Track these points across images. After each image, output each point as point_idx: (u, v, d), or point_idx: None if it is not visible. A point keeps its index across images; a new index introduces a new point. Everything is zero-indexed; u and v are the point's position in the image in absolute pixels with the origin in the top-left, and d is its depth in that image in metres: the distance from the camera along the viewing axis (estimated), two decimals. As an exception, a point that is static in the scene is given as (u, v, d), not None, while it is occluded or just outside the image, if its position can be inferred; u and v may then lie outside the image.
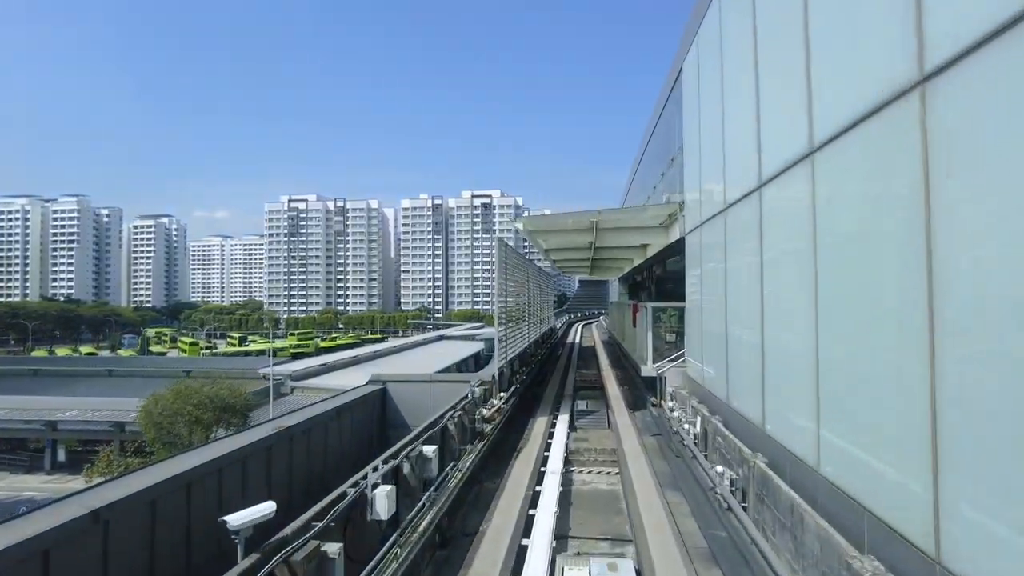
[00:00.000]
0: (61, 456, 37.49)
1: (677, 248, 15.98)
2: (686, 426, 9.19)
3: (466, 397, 10.42)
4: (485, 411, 10.51)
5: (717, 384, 9.32)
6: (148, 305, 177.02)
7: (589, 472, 10.30)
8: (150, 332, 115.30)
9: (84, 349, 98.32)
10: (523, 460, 10.04)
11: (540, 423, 12.87)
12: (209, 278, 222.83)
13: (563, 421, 13.29)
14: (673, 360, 13.52)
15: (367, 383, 13.26)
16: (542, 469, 9.55)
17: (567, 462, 10.53)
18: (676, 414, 10.06)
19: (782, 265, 6.56)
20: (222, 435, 22.70)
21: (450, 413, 9.15)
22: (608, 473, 10.19)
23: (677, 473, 9.44)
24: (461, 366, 42.64)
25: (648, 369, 13.79)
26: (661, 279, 25.76)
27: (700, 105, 10.85)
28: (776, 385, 6.71)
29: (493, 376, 12.71)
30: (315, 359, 53.21)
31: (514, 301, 16.78)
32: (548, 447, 11.03)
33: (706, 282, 10.25)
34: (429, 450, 7.26)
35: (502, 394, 12.53)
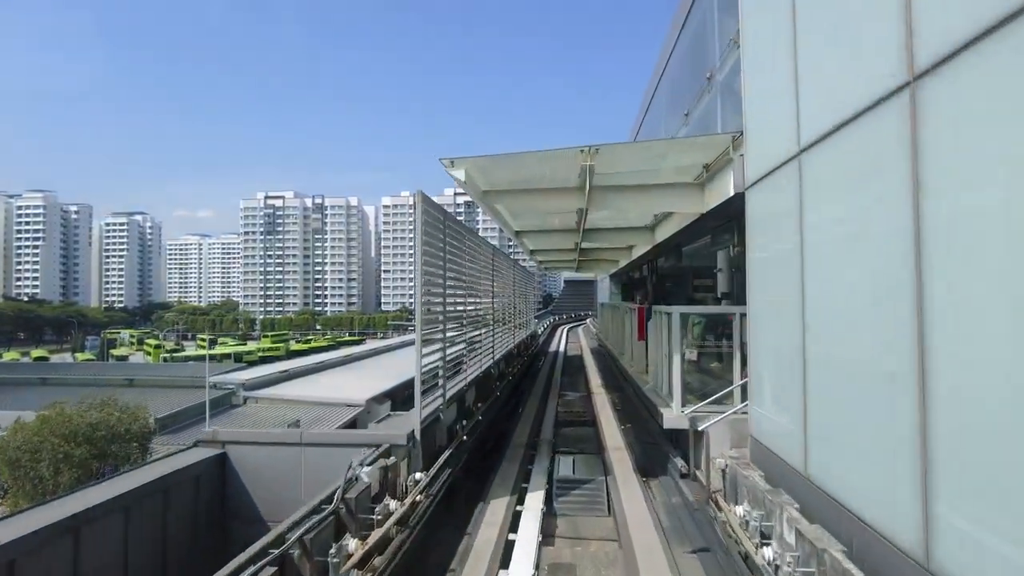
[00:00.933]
0: (-46, 486, 31.44)
1: (708, 225, 10.62)
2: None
3: (322, 511, 4.86)
4: (353, 544, 4.86)
5: (861, 486, 3.95)
6: (120, 306, 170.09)
7: None
8: (114, 333, 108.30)
9: (35, 353, 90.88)
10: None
11: (494, 515, 7.36)
12: (186, 278, 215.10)
13: (533, 509, 7.79)
14: (717, 401, 8.14)
15: (193, 445, 7.60)
16: None
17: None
18: (768, 552, 4.62)
19: None
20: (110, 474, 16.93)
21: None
22: None
23: None
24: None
25: (674, 417, 8.37)
26: (666, 275, 20.53)
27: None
28: None
29: (410, 438, 7.17)
30: (283, 364, 47.93)
31: (470, 301, 11.33)
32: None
33: (814, 266, 4.88)
34: None
35: (419, 475, 6.88)
